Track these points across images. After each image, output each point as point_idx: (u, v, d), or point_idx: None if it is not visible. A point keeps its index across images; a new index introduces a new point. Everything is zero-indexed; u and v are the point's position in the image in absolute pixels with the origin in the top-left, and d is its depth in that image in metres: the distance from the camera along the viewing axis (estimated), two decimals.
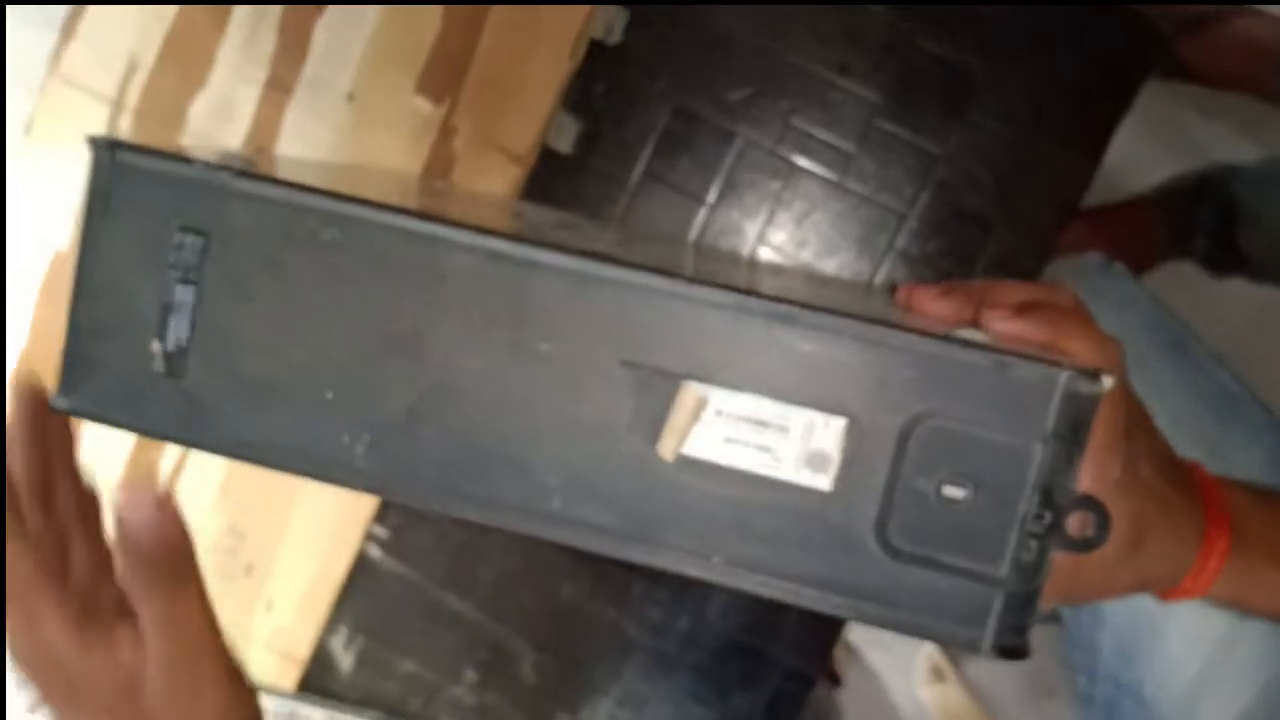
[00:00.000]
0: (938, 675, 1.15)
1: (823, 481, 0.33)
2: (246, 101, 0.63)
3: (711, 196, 0.62)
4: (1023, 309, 0.36)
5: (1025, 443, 0.32)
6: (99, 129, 0.64)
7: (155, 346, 0.34)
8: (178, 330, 0.34)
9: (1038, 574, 0.33)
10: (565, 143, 0.62)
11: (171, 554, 0.38)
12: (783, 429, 0.33)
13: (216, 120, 0.63)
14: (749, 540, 0.33)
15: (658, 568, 0.34)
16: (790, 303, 0.33)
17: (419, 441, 0.34)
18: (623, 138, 0.62)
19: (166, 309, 0.34)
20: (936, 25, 0.60)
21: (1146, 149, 0.74)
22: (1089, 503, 0.33)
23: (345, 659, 0.67)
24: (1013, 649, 0.33)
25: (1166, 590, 0.40)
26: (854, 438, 0.33)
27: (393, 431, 0.34)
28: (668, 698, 0.67)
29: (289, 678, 0.67)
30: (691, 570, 0.34)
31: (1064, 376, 0.32)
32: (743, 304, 0.33)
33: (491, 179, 0.62)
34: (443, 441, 0.34)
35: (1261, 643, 0.57)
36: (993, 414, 0.32)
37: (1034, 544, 0.32)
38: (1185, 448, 0.41)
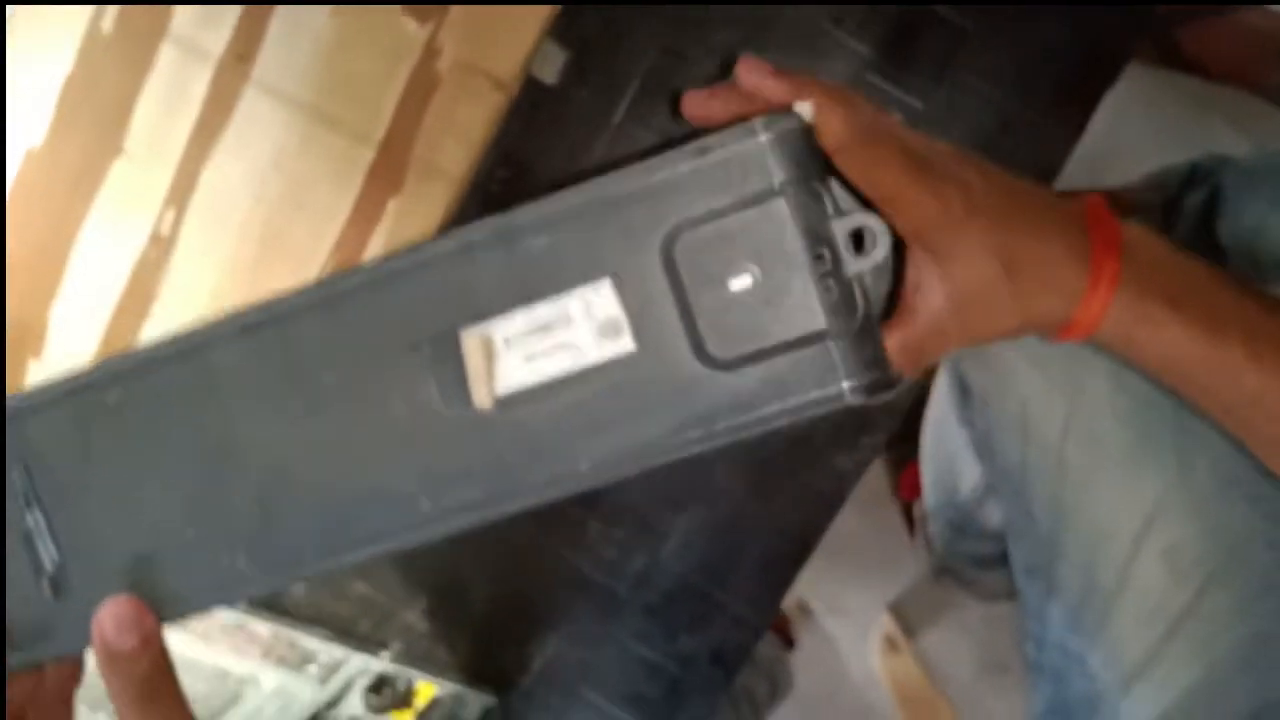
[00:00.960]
0: (891, 646, 1.16)
1: (626, 343, 0.33)
2: (230, 10, 0.62)
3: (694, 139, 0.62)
4: (777, 73, 0.36)
5: (768, 202, 0.32)
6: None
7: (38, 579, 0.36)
8: (48, 553, 0.36)
9: (854, 308, 0.33)
10: (551, 73, 0.62)
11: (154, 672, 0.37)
12: (566, 320, 0.34)
13: (201, 24, 0.63)
14: (601, 432, 0.33)
15: (549, 503, 0.34)
16: (499, 215, 0.34)
17: (283, 528, 0.35)
18: (610, 73, 0.62)
19: (29, 539, 0.36)
20: None
21: (1138, 139, 0.74)
22: (861, 221, 0.33)
23: None
24: (875, 384, 0.33)
25: (1059, 328, 0.38)
26: (628, 290, 0.33)
27: (257, 531, 0.35)
28: (616, 637, 0.67)
29: None
30: (571, 488, 0.34)
31: (758, 124, 0.32)
32: (464, 240, 0.33)
33: (474, 106, 0.62)
34: (303, 514, 0.35)
35: (1208, 627, 0.58)
36: (727, 196, 0.32)
37: (832, 283, 0.33)
38: None
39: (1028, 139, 0.60)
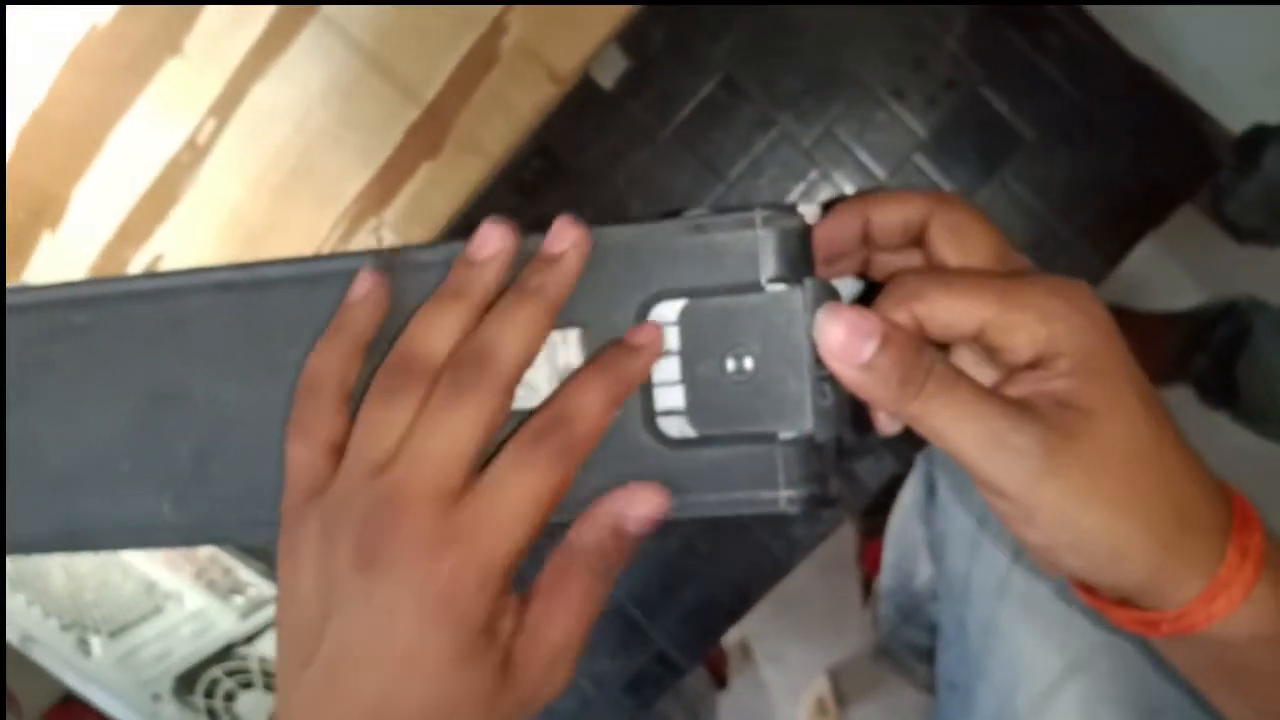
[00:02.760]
0: (821, 710, 1.16)
1: None
2: None
3: (733, 175, 0.61)
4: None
5: (765, 291, 0.32)
6: None
7: None
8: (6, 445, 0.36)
9: (837, 420, 0.32)
10: (608, 77, 0.61)
11: None
12: None
13: None
14: None
15: None
16: None
17: (213, 483, 0.35)
18: (665, 91, 0.61)
19: None
20: (1004, 80, 0.59)
21: (1175, 272, 0.73)
22: None
23: None
24: (815, 498, 0.32)
25: (1176, 611, 0.31)
26: (596, 344, 0.33)
27: (188, 482, 0.35)
28: None
29: None
30: None
31: (758, 215, 0.32)
32: (451, 255, 0.33)
33: (526, 91, 0.62)
34: (234, 478, 0.35)
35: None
36: (713, 276, 0.32)
37: (828, 389, 0.32)
38: None
39: (1060, 258, 0.59)
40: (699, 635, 0.66)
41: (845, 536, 1.14)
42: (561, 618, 0.31)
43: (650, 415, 0.32)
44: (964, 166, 0.60)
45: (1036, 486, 0.30)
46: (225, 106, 0.66)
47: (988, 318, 0.31)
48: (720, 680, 1.14)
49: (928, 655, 0.92)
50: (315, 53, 0.65)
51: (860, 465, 0.62)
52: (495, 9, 0.61)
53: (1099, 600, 0.33)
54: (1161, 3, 0.80)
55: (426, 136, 0.64)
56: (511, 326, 0.31)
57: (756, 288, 0.32)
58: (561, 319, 0.33)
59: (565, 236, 0.32)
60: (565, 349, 0.33)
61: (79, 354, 0.35)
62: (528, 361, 0.32)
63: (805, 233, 0.32)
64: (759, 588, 0.65)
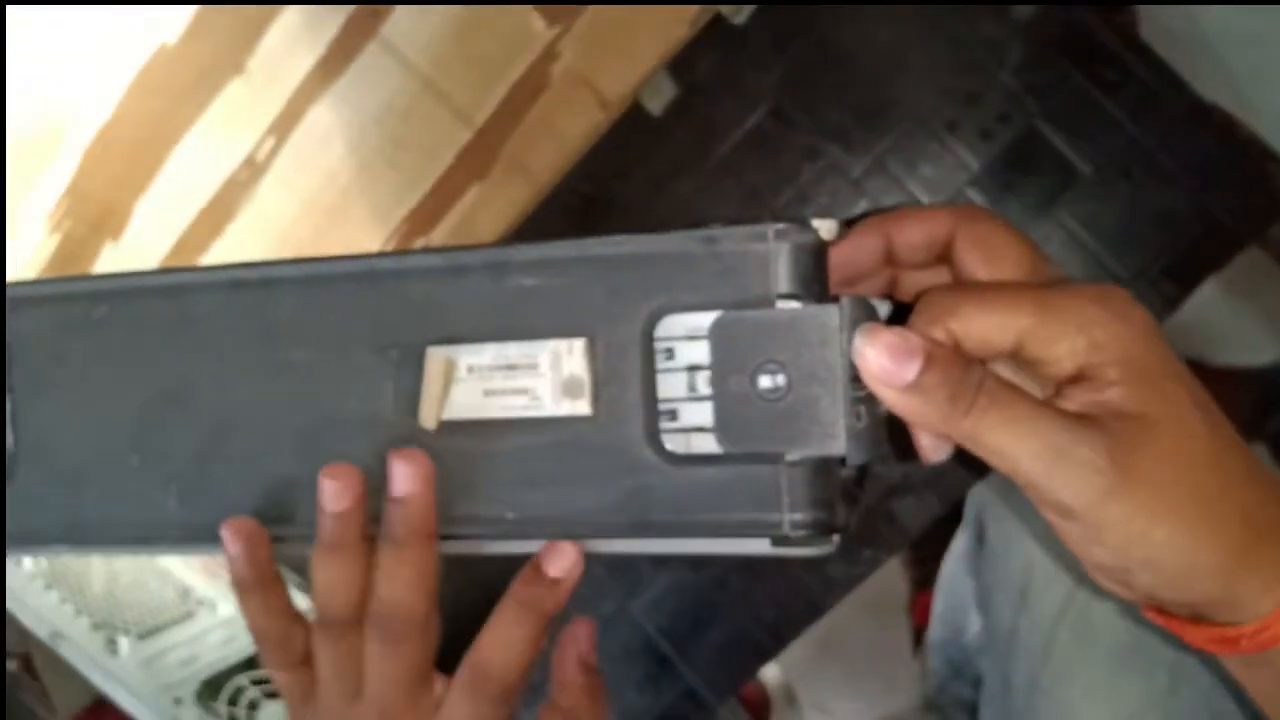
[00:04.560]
0: None
1: (582, 406, 0.32)
2: None
3: (778, 205, 0.61)
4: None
5: (769, 304, 0.31)
6: None
7: None
8: (7, 439, 0.37)
9: (873, 444, 0.31)
10: (657, 104, 0.61)
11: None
12: (532, 366, 0.32)
13: None
14: (535, 487, 0.32)
15: (459, 541, 0.33)
16: (497, 246, 0.33)
17: (217, 482, 0.35)
18: (713, 119, 0.61)
19: None
20: (1061, 115, 0.58)
21: (1242, 321, 0.70)
22: None
23: None
24: (819, 524, 0.31)
25: (1243, 629, 0.30)
26: (599, 354, 0.32)
27: (192, 479, 0.35)
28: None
29: None
30: (491, 533, 0.33)
31: (770, 229, 0.30)
32: (456, 261, 0.33)
33: (575, 117, 0.62)
34: (236, 479, 0.35)
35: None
36: (722, 290, 0.31)
37: (863, 410, 0.30)
38: None
39: None
40: (729, 673, 0.64)
41: (896, 586, 1.11)
42: None
43: (653, 431, 0.31)
44: (1018, 201, 0.58)
45: (1105, 502, 0.28)
46: (284, 126, 0.67)
47: (1025, 329, 0.29)
48: None
49: (976, 711, 0.89)
50: (372, 75, 0.66)
51: (900, 505, 0.60)
52: (549, 35, 0.62)
53: (1173, 621, 0.32)
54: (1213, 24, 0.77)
55: (476, 159, 0.65)
56: (403, 578, 0.33)
57: (768, 303, 0.31)
58: (567, 329, 0.32)
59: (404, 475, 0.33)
60: (570, 359, 0.32)
61: (93, 348, 0.36)
62: (432, 602, 0.34)
63: (820, 248, 0.31)
64: (793, 627, 0.64)
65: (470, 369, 0.33)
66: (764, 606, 0.63)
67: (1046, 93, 0.58)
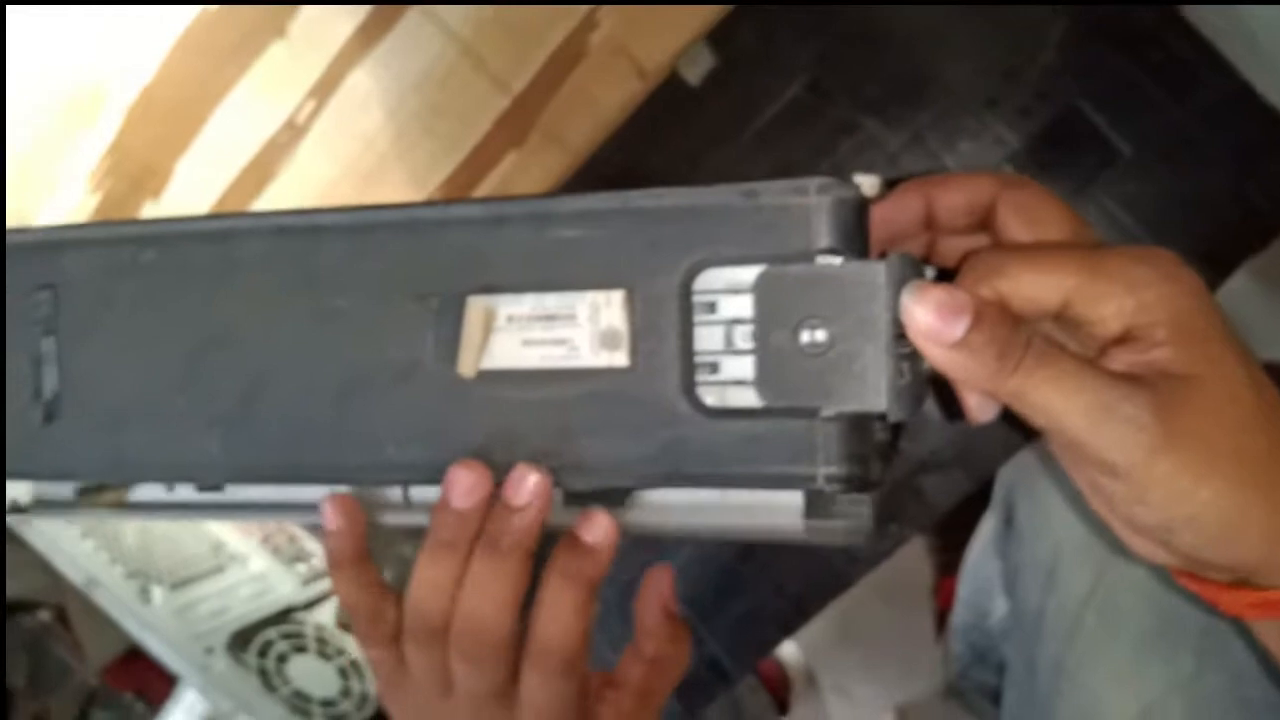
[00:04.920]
0: None
1: (619, 358, 0.32)
2: None
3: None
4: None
5: (812, 259, 0.30)
6: None
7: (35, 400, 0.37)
8: (50, 380, 0.37)
9: (914, 400, 0.31)
10: (695, 74, 0.61)
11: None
12: (571, 317, 0.33)
13: None
14: (569, 436, 0.33)
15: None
16: (539, 197, 0.33)
17: (258, 425, 0.35)
18: (750, 91, 0.61)
19: (37, 363, 0.37)
20: (1102, 95, 0.57)
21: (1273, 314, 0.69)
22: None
23: None
24: (852, 479, 0.31)
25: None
26: (638, 306, 0.32)
27: (235, 422, 0.35)
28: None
29: None
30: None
31: (812, 183, 0.30)
32: (498, 212, 0.33)
33: (612, 87, 0.62)
34: (277, 423, 0.35)
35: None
36: (762, 244, 0.31)
37: (906, 368, 0.30)
38: None
39: None
40: (752, 644, 0.65)
41: (920, 570, 1.11)
42: None
43: (690, 384, 0.31)
44: (1056, 180, 0.58)
45: (1151, 459, 0.28)
46: (324, 90, 0.67)
47: (1073, 289, 0.30)
48: (782, 705, 1.12)
49: (999, 698, 0.89)
50: (412, 41, 0.66)
51: (928, 481, 0.60)
52: (588, 5, 0.62)
53: (1209, 586, 0.32)
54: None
55: (513, 127, 0.65)
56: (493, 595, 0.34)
57: (807, 258, 0.31)
58: (606, 280, 0.32)
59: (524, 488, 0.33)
60: (608, 311, 0.32)
61: (140, 291, 0.36)
62: (516, 621, 0.34)
63: (862, 205, 0.31)
64: (817, 601, 0.64)
65: (509, 318, 0.33)
66: (788, 579, 0.64)
67: (1087, 71, 0.57)
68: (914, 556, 1.10)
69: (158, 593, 0.59)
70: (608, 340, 0.32)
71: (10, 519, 0.59)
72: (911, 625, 1.12)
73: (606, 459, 0.32)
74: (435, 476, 0.34)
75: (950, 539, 0.99)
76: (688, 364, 0.32)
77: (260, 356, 0.35)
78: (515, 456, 0.33)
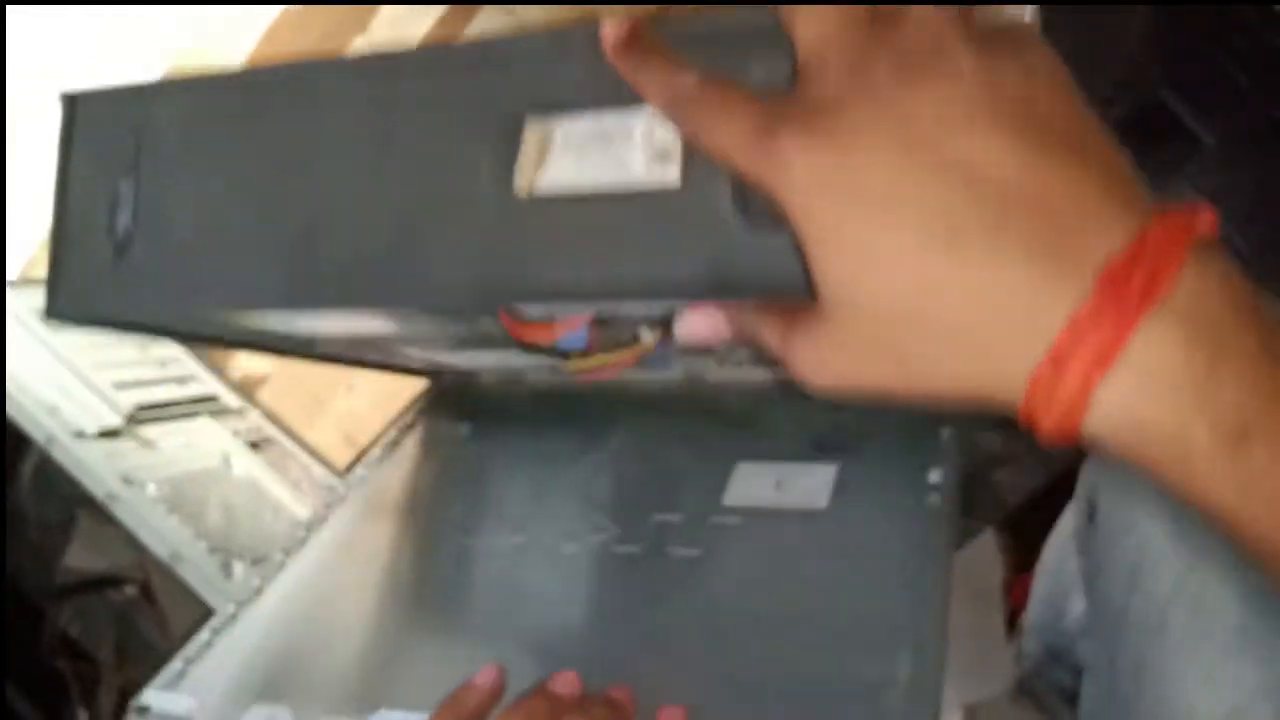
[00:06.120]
0: None
1: (672, 174, 0.32)
2: None
3: None
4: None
5: None
6: None
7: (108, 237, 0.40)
8: (124, 220, 0.39)
9: None
10: None
11: None
12: (627, 136, 0.33)
13: None
14: (619, 253, 0.33)
15: (543, 302, 0.36)
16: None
17: (320, 254, 0.37)
18: None
19: (114, 205, 0.39)
20: (1186, 87, 0.56)
21: None
22: None
23: None
24: None
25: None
26: None
27: (300, 253, 0.37)
28: None
29: (344, 457, 0.71)
30: (573, 296, 0.35)
31: None
32: (563, 38, 0.33)
33: None
34: (339, 249, 0.37)
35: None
36: None
37: None
38: None
39: None
40: None
41: (992, 569, 1.09)
42: None
43: (741, 200, 0.31)
44: (1139, 170, 0.57)
45: None
46: None
47: None
48: None
49: (1073, 699, 0.87)
50: (488, 35, 0.67)
51: (1001, 475, 0.60)
52: (655, 5, 0.62)
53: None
54: None
55: None
56: None
57: None
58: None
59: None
60: (663, 130, 0.33)
61: (221, 136, 0.38)
62: None
63: None
64: None
65: (566, 138, 0.34)
66: None
67: (1171, 60, 0.56)
68: (985, 553, 1.08)
69: (239, 568, 0.61)
70: (661, 157, 0.33)
71: (100, 496, 0.62)
72: (980, 624, 1.11)
73: (653, 275, 0.33)
74: (481, 296, 0.36)
75: (1024, 536, 0.98)
76: (739, 182, 0.32)
77: (327, 190, 0.37)
78: (565, 273, 0.34)
